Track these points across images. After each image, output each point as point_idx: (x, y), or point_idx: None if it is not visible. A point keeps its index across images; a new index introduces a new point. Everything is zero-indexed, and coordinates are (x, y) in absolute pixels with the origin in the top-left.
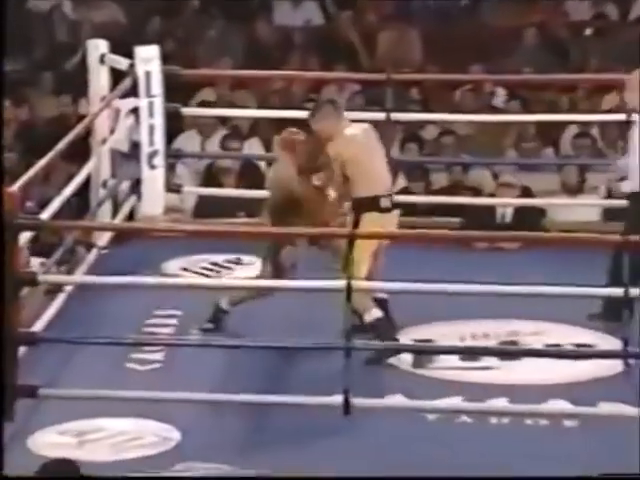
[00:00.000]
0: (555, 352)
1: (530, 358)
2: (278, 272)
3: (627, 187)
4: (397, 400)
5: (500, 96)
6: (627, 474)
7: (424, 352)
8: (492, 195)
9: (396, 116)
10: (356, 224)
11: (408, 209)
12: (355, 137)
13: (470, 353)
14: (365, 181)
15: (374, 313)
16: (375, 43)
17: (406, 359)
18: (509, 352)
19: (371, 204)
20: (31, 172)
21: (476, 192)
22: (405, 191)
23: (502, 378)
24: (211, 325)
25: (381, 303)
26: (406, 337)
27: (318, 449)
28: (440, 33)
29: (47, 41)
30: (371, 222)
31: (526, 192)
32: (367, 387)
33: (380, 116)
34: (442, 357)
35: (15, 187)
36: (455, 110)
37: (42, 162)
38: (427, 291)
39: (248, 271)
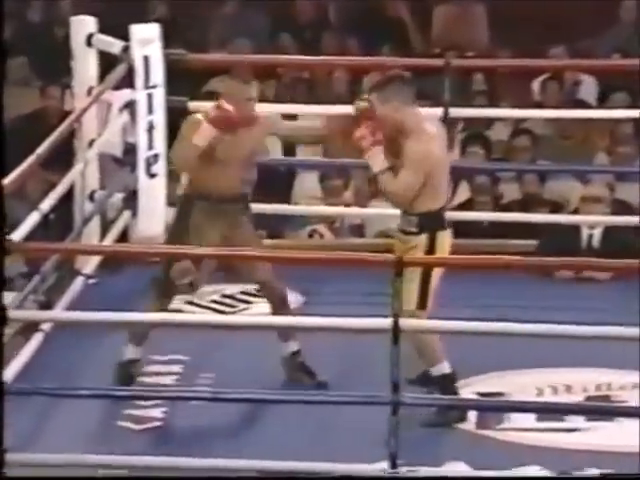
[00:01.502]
0: None
1: (626, 418)
2: (167, 292)
3: None
4: (458, 469)
5: (588, 86)
6: (627, 474)
7: (492, 409)
8: (576, 211)
9: (456, 112)
10: (431, 247)
11: (471, 228)
12: (438, 136)
13: (550, 411)
14: (435, 191)
15: (443, 367)
16: (430, 20)
17: (469, 418)
18: (600, 410)
19: (441, 219)
20: (4, 182)
21: (556, 207)
22: (468, 206)
23: (591, 443)
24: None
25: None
26: (469, 390)
27: None
28: (511, 7)
29: (18, 18)
30: (446, 244)
31: (621, 207)
32: (419, 452)
33: (436, 112)
34: (514, 416)
35: None
36: (531, 104)
37: (16, 172)
38: (494, 332)
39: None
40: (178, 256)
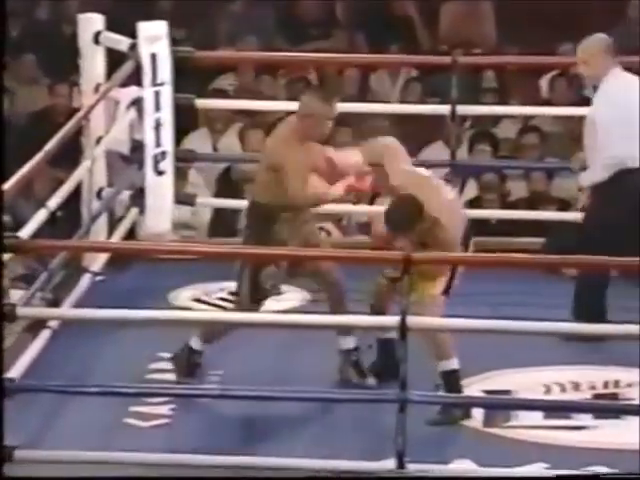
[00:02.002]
0: None
1: (634, 416)
2: (258, 295)
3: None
4: (464, 467)
5: None
6: (627, 474)
7: (499, 407)
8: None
9: (464, 109)
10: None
11: (479, 226)
12: (449, 209)
13: (557, 409)
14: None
15: (452, 363)
16: (437, 17)
17: (476, 416)
18: (607, 408)
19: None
20: (11, 181)
21: (563, 205)
22: (476, 204)
23: (598, 441)
24: (186, 374)
25: (386, 344)
26: (475, 388)
27: None
28: (519, 4)
29: (27, 15)
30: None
31: None
32: (426, 449)
33: (443, 109)
34: (521, 413)
35: None
36: (539, 102)
37: (24, 169)
38: (501, 329)
39: (278, 303)
40: (186, 254)
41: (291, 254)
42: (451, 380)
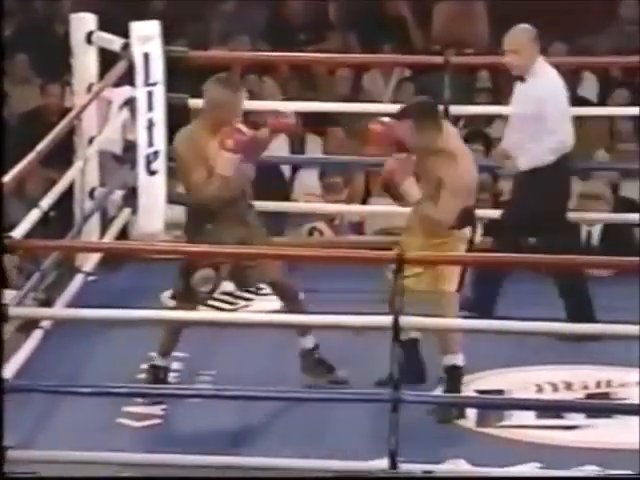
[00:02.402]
0: None
1: (627, 416)
2: (190, 299)
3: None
4: (458, 467)
5: (588, 84)
6: (627, 474)
7: (492, 407)
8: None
9: (456, 109)
10: (472, 240)
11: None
12: (468, 153)
13: (550, 408)
14: (468, 198)
15: (457, 358)
16: (430, 17)
17: (469, 416)
18: (600, 408)
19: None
20: (3, 181)
21: None
22: None
23: (590, 440)
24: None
25: (409, 345)
26: (468, 388)
27: None
28: (512, 4)
29: (20, 15)
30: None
31: (625, 204)
32: (419, 449)
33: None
34: (514, 413)
35: None
36: None
37: (16, 169)
38: (494, 329)
39: (270, 303)
40: (179, 254)
41: (287, 254)
42: (454, 376)
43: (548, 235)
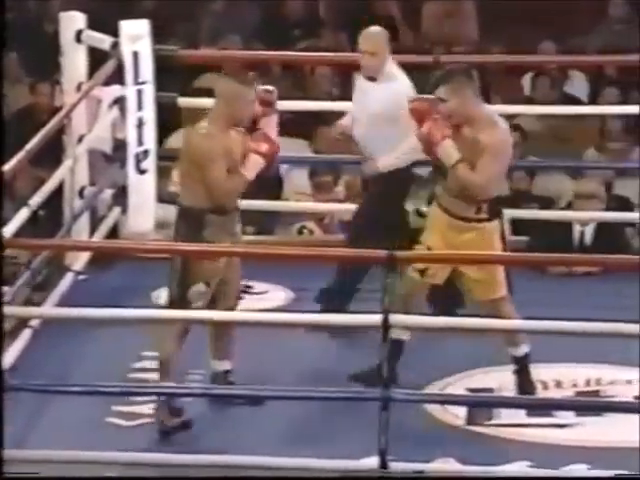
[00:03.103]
0: None
1: (616, 414)
2: (183, 305)
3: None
4: (448, 466)
5: (578, 83)
6: (627, 474)
7: (482, 405)
8: (569, 207)
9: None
10: (502, 231)
11: None
12: (506, 126)
13: (540, 406)
14: (502, 179)
15: (524, 348)
16: (419, 16)
17: (459, 414)
18: (589, 406)
19: (500, 205)
20: (2, 178)
21: (546, 203)
22: None
23: (580, 439)
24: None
25: (397, 345)
26: (459, 386)
27: None
28: (501, 3)
29: (9, 13)
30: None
31: (620, 202)
32: (409, 448)
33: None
34: (504, 411)
35: None
36: (521, 100)
37: (5, 168)
38: (484, 327)
39: (261, 302)
40: (169, 252)
41: (277, 253)
42: (522, 365)
43: (388, 237)
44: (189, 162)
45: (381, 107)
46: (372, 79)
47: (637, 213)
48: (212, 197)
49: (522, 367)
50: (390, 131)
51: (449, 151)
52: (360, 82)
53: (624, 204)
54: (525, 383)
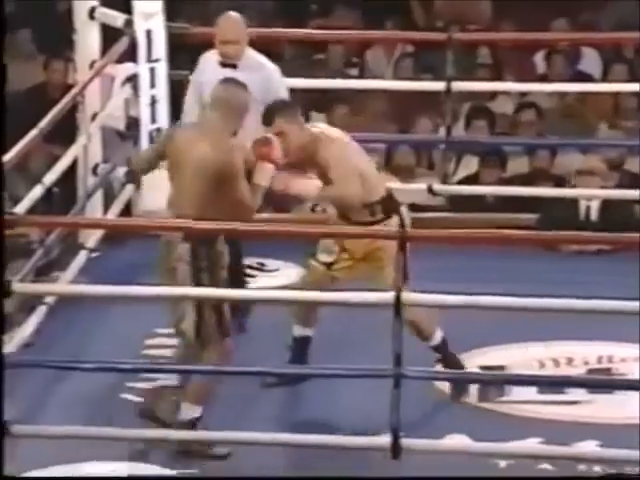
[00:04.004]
0: None
1: (627, 391)
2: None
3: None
4: (459, 442)
5: (591, 60)
6: (627, 474)
7: (493, 382)
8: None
9: (459, 85)
10: (403, 225)
11: (475, 203)
12: (340, 135)
13: (551, 384)
14: (373, 181)
15: (437, 337)
16: None
17: (471, 391)
18: (601, 383)
19: (396, 200)
20: (6, 157)
21: (560, 181)
22: (474, 179)
23: (592, 415)
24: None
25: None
26: (471, 364)
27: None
28: None
29: None
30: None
31: (630, 179)
32: (421, 424)
33: (438, 85)
34: (516, 389)
35: None
36: (535, 78)
37: (19, 146)
38: (496, 305)
39: (273, 279)
40: (181, 230)
41: (290, 231)
42: (443, 349)
43: None
44: (207, 178)
45: (254, 91)
46: (233, 66)
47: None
48: (237, 213)
49: (444, 354)
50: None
51: (308, 186)
52: (215, 71)
53: (635, 181)
54: (453, 366)
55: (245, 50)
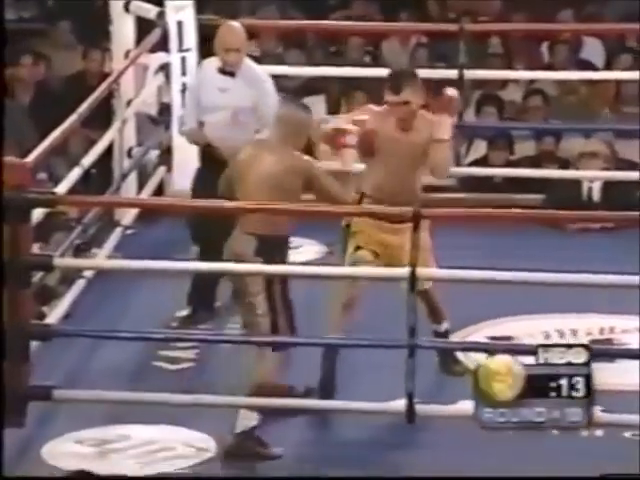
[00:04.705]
0: None
1: (628, 360)
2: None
3: None
4: (470, 407)
5: (594, 49)
6: (627, 474)
7: (500, 352)
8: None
9: (471, 73)
10: None
11: (484, 184)
12: None
13: None
14: None
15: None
16: None
17: (481, 360)
18: (603, 353)
19: None
20: (47, 141)
21: (564, 164)
22: (483, 162)
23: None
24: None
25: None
26: (481, 334)
27: (376, 460)
28: None
29: None
30: None
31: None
32: (434, 391)
33: (451, 73)
34: (523, 358)
35: (30, 158)
36: (542, 66)
37: (60, 130)
38: (505, 280)
39: (298, 255)
40: (210, 210)
41: (306, 210)
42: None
43: None
44: (281, 188)
45: (250, 101)
46: (231, 74)
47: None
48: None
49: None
50: (254, 125)
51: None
52: (213, 78)
53: (633, 164)
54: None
55: (243, 59)
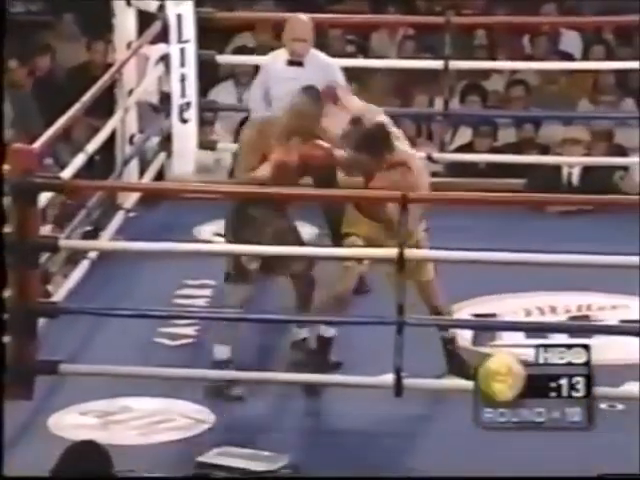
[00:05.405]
0: (632, 329)
1: (603, 335)
2: (244, 279)
3: None
4: (455, 382)
5: (572, 40)
6: (627, 474)
7: (485, 328)
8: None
9: (456, 64)
10: None
11: (468, 169)
12: None
13: (536, 330)
14: None
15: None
16: None
17: (465, 336)
18: (580, 328)
19: None
20: (52, 129)
21: (544, 150)
22: (468, 149)
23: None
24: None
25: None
26: (466, 312)
27: (363, 433)
28: None
29: None
30: None
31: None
32: (421, 366)
33: (437, 64)
34: (505, 334)
35: (36, 145)
36: (523, 57)
37: (64, 118)
38: (487, 260)
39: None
40: (208, 193)
41: (299, 194)
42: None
43: None
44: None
45: (321, 85)
46: (299, 64)
47: (625, 158)
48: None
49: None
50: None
51: None
52: (282, 69)
53: (616, 150)
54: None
55: (310, 49)
